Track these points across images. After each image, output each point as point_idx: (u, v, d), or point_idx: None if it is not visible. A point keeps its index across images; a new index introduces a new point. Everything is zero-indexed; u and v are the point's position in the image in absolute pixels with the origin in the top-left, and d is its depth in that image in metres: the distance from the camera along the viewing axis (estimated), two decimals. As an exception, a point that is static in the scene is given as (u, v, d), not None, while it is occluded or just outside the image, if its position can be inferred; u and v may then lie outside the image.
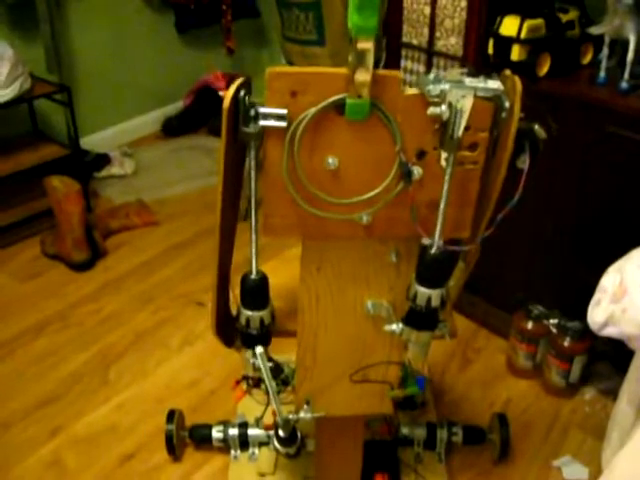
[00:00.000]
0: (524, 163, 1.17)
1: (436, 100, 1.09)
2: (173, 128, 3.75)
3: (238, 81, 1.12)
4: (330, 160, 1.16)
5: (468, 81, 1.09)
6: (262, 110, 1.11)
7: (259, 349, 1.31)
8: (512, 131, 1.13)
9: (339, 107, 1.11)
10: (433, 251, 1.19)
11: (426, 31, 2.24)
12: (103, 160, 3.35)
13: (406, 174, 1.16)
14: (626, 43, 1.85)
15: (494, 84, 1.10)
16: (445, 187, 1.15)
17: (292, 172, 1.16)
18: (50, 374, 2.20)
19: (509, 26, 1.92)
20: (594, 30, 1.91)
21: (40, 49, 3.04)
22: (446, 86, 1.08)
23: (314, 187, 1.18)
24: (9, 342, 2.33)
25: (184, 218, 3.02)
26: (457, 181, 1.18)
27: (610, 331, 1.07)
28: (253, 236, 1.26)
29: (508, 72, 1.15)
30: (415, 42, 2.28)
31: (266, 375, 1.32)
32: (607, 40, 1.90)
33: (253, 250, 1.27)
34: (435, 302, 1.22)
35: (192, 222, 2.97)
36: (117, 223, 2.92)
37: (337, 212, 1.21)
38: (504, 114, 1.13)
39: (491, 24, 1.98)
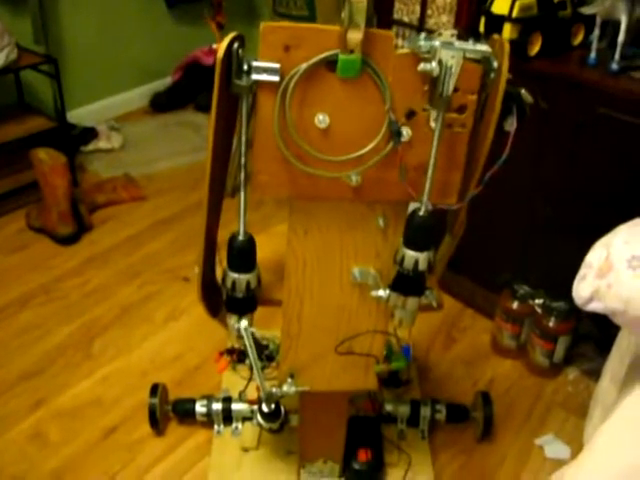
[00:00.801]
0: (511, 125, 1.19)
1: (427, 56, 1.11)
2: (161, 103, 3.72)
3: (232, 34, 1.13)
4: (321, 117, 1.17)
5: (457, 43, 1.10)
6: (255, 64, 1.13)
7: (243, 322, 1.31)
8: (500, 92, 1.15)
9: (331, 64, 1.13)
10: (421, 213, 1.21)
11: (417, 8, 2.23)
12: (90, 134, 3.31)
13: (395, 133, 1.18)
14: (617, 24, 1.85)
15: (483, 46, 1.12)
16: (434, 147, 1.17)
17: (283, 128, 1.17)
18: (34, 347, 2.19)
19: (501, 5, 1.90)
20: (586, 10, 1.91)
21: (27, 20, 3.00)
22: (436, 42, 1.09)
23: (304, 143, 1.19)
24: (-7, 315, 2.32)
25: (171, 193, 3.00)
26: (445, 144, 1.20)
27: (595, 306, 1.07)
28: (242, 194, 1.25)
29: (496, 36, 1.17)
30: (406, 19, 2.27)
31: (249, 346, 1.32)
32: (598, 21, 1.89)
33: (241, 211, 1.27)
34: (422, 265, 1.24)
35: (179, 198, 2.95)
36: (104, 197, 2.90)
37: (326, 170, 1.22)
38: (492, 75, 1.15)
39: (483, 2, 1.97)
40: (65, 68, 3.07)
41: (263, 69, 1.12)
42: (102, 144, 3.32)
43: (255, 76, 1.13)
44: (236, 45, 1.13)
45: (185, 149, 3.32)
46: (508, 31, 1.90)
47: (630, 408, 1.08)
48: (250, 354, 1.33)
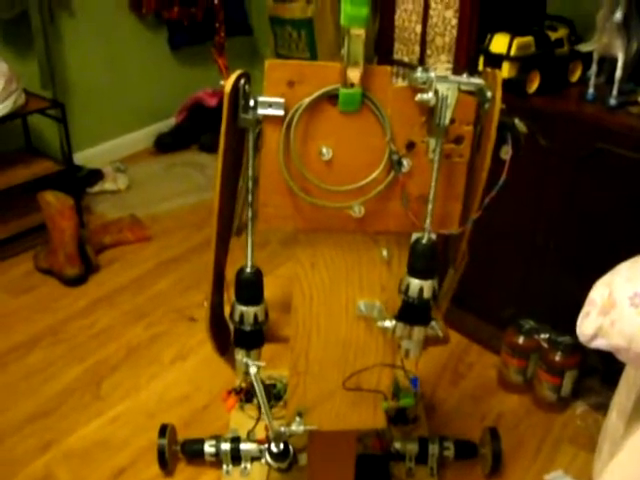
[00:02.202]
0: (507, 154, 1.23)
1: (423, 87, 1.15)
2: (166, 144, 3.77)
3: (238, 71, 1.19)
4: (324, 150, 1.22)
5: (452, 77, 1.14)
6: (261, 99, 1.18)
7: (253, 369, 1.32)
8: (494, 121, 1.20)
9: (333, 98, 1.18)
10: (424, 241, 1.24)
11: (417, 49, 2.27)
12: (96, 176, 3.36)
13: (396, 163, 1.22)
14: (614, 61, 1.88)
15: (476, 80, 1.17)
16: (434, 176, 1.21)
17: (288, 160, 1.22)
18: (42, 389, 2.20)
19: (499, 44, 1.95)
20: (583, 47, 1.95)
21: (34, 65, 3.06)
22: (432, 74, 1.14)
23: (309, 174, 1.23)
24: (1, 356, 2.33)
25: (177, 234, 3.03)
26: (445, 174, 1.25)
27: (599, 343, 1.08)
28: (250, 228, 1.28)
29: (488, 69, 1.20)
30: (406, 59, 2.31)
31: (258, 387, 1.33)
32: (596, 57, 1.93)
33: (249, 244, 1.30)
34: (427, 293, 1.26)
35: (185, 238, 2.98)
36: (110, 238, 2.93)
37: (330, 201, 1.26)
38: (487, 105, 1.20)
39: (481, 42, 2.01)
40: (71, 111, 3.12)
41: (268, 104, 1.18)
42: (108, 185, 3.36)
43: (261, 110, 1.18)
44: (242, 81, 1.18)
45: (190, 189, 3.36)
46: (507, 69, 1.94)
47: (634, 449, 1.08)
48: (258, 394, 1.34)
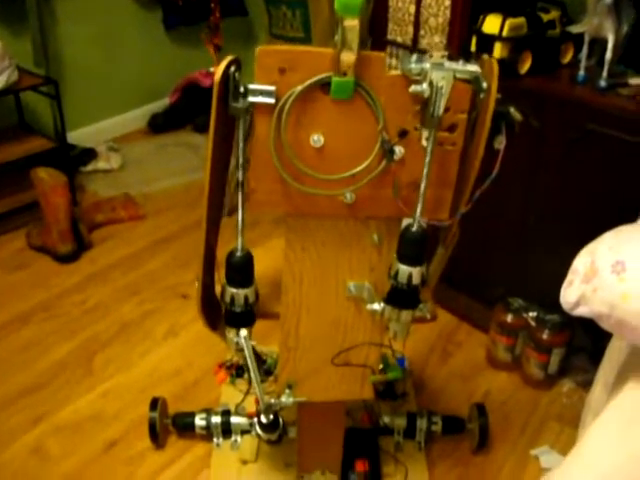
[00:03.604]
0: (501, 144, 1.22)
1: (417, 78, 1.14)
2: (159, 125, 3.77)
3: (229, 57, 1.17)
4: (315, 137, 1.21)
5: (448, 64, 1.14)
6: (251, 86, 1.16)
7: (243, 332, 1.33)
8: (489, 111, 1.19)
9: (325, 86, 1.16)
10: (414, 229, 1.23)
11: (411, 29, 2.28)
12: (89, 154, 3.36)
13: (388, 152, 1.21)
14: (605, 42, 1.90)
15: (472, 67, 1.15)
16: (426, 165, 1.20)
17: (279, 148, 1.21)
18: (35, 363, 2.21)
19: (491, 24, 1.95)
20: (574, 29, 1.96)
21: (28, 42, 3.05)
22: (427, 65, 1.13)
23: (300, 163, 1.22)
24: (-6, 331, 2.35)
25: (170, 212, 3.04)
26: (437, 162, 1.24)
27: (582, 310, 1.10)
28: (240, 212, 1.29)
29: (486, 56, 1.20)
30: (400, 40, 2.32)
31: (249, 355, 1.34)
32: (587, 39, 1.94)
33: (239, 227, 1.30)
34: (416, 280, 1.26)
35: (178, 216, 2.99)
36: (103, 216, 2.94)
37: (321, 188, 1.25)
38: (482, 95, 1.18)
39: (474, 22, 2.02)
40: (65, 90, 3.12)
41: (259, 92, 1.16)
42: (101, 164, 3.36)
43: (251, 98, 1.17)
44: (233, 68, 1.17)
45: (183, 169, 3.37)
46: (499, 50, 1.95)
47: (614, 410, 1.11)
48: (249, 363, 1.36)
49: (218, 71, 1.16)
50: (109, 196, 3.10)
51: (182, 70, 3.78)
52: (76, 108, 3.40)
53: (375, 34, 2.39)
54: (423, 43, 2.25)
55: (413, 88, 1.15)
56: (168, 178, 3.29)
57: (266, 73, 1.15)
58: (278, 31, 2.80)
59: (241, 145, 1.23)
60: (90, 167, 3.35)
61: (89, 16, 3.38)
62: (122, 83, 3.67)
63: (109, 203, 3.01)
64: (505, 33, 1.93)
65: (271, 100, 1.16)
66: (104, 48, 3.52)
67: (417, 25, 2.25)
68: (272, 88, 1.16)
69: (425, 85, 1.14)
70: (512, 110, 1.24)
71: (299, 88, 1.16)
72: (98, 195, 3.15)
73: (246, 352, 1.34)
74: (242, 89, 1.17)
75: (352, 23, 1.07)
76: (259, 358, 1.64)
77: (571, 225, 1.99)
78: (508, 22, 1.92)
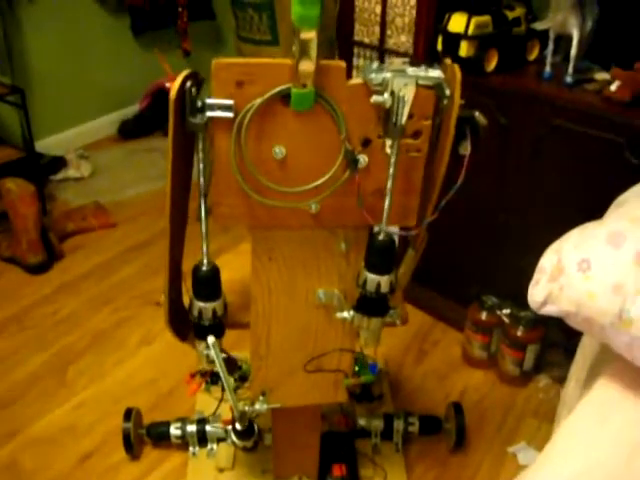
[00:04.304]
0: (466, 149, 1.20)
1: (379, 88, 1.12)
2: (129, 131, 3.74)
3: (184, 72, 1.14)
4: (277, 150, 1.18)
5: (410, 70, 1.12)
6: (209, 101, 1.13)
7: (211, 339, 1.32)
8: (453, 118, 1.17)
9: (285, 98, 1.14)
10: (381, 237, 1.22)
11: (377, 29, 2.27)
12: (59, 163, 3.33)
13: (352, 162, 1.19)
14: (570, 39, 1.90)
15: (435, 72, 1.13)
16: (390, 174, 1.18)
17: (240, 162, 1.18)
18: (7, 376, 2.18)
19: (457, 23, 1.95)
20: (539, 26, 1.96)
21: (-8, 51, 3.02)
22: (388, 74, 1.11)
23: (262, 176, 1.20)
24: (-36, 346, 2.31)
25: (141, 220, 3.01)
26: (402, 169, 1.22)
27: (549, 309, 1.10)
28: (203, 227, 1.27)
29: (448, 61, 1.18)
30: (367, 40, 2.31)
31: (219, 364, 1.33)
32: (552, 36, 1.95)
33: (203, 240, 1.29)
34: (384, 288, 1.25)
35: (149, 224, 2.96)
36: (73, 225, 2.90)
37: (286, 201, 1.23)
38: (445, 101, 1.16)
39: (440, 21, 2.02)
40: (32, 98, 3.07)
41: (217, 106, 1.13)
42: (71, 173, 3.33)
43: (209, 113, 1.14)
44: (189, 84, 1.13)
45: (154, 175, 3.33)
46: (465, 49, 1.95)
47: (585, 409, 1.11)
48: (220, 372, 1.35)
49: (173, 87, 1.12)
50: (80, 204, 3.06)
51: (151, 76, 3.74)
52: (44, 116, 3.36)
53: (342, 35, 2.38)
54: (390, 43, 2.25)
55: (374, 98, 1.13)
56: (139, 185, 3.26)
57: (224, 87, 1.12)
58: (245, 34, 2.78)
59: (201, 160, 1.21)
60: (60, 176, 3.31)
61: (55, 23, 3.34)
62: (91, 90, 3.63)
63: (80, 212, 2.98)
64: (471, 32, 1.93)
65: (230, 114, 1.13)
66: (71, 55, 3.48)
67: (383, 25, 2.25)
68: (230, 102, 1.13)
69: (387, 95, 1.12)
70: (477, 114, 1.22)
71: (258, 101, 1.13)
72: (68, 204, 3.11)
73: (216, 361, 1.33)
74: (199, 104, 1.14)
75: (309, 35, 1.04)
76: (234, 364, 1.62)
77: (540, 221, 1.99)
78: (474, 20, 1.92)
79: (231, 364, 1.53)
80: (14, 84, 2.98)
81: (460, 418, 1.89)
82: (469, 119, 1.20)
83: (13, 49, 3.11)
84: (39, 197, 2.70)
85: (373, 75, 1.12)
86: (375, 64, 1.15)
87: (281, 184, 1.21)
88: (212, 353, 1.38)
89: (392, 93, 1.11)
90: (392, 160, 1.17)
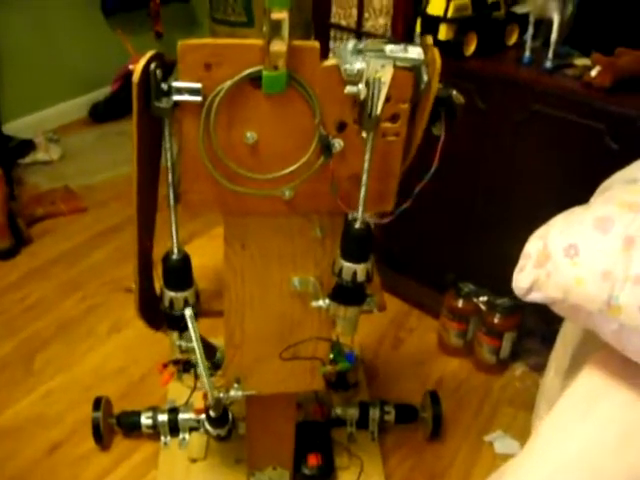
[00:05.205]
0: (440, 130, 1.16)
1: (353, 79, 1.07)
2: (100, 114, 3.66)
3: (148, 54, 1.07)
4: (248, 134, 1.12)
5: (389, 50, 1.07)
6: (175, 84, 1.07)
7: (188, 311, 1.27)
8: (430, 100, 1.13)
9: (256, 80, 1.08)
10: (357, 226, 1.18)
11: (355, 12, 2.24)
12: (27, 146, 3.24)
13: (326, 147, 1.14)
14: (550, 23, 1.88)
15: (414, 52, 1.08)
16: (366, 161, 1.14)
17: (209, 148, 1.12)
18: (-29, 365, 2.12)
19: (436, 6, 1.92)
20: (519, 9, 1.94)
21: (-43, 30, 2.93)
22: (363, 65, 1.06)
23: (232, 163, 1.15)
24: None
25: (112, 204, 2.94)
26: (379, 153, 1.17)
27: (535, 296, 1.07)
28: (172, 214, 1.22)
29: (429, 40, 1.13)
30: (344, 23, 2.27)
31: (196, 340, 1.28)
32: (532, 20, 1.92)
33: (173, 228, 1.24)
34: (361, 277, 1.22)
35: (120, 208, 2.90)
36: (42, 210, 2.84)
37: (258, 188, 1.18)
38: (422, 86, 1.12)
39: (418, 4, 1.98)
40: (0, 79, 3.01)
41: (184, 89, 1.07)
42: (40, 156, 3.25)
43: (176, 97, 1.07)
44: (153, 65, 1.06)
45: (125, 159, 3.23)
46: (444, 32, 1.92)
47: (568, 400, 1.09)
48: (197, 349, 1.30)
49: (137, 70, 1.05)
50: (49, 189, 2.99)
51: (123, 58, 3.65)
52: (12, 98, 3.29)
53: (318, 17, 2.34)
54: (367, 25, 2.21)
55: (348, 89, 1.07)
56: (110, 169, 3.18)
57: (191, 69, 1.06)
58: (219, 15, 2.70)
59: (168, 146, 1.15)
60: (28, 159, 3.23)
61: (25, 2, 3.25)
62: (61, 71, 3.55)
63: (49, 196, 2.91)
64: (450, 14, 1.89)
65: (198, 98, 1.07)
66: (41, 35, 3.39)
67: (361, 7, 2.21)
68: (198, 85, 1.06)
69: (361, 86, 1.07)
70: (454, 94, 1.16)
71: (227, 84, 1.07)
72: (37, 188, 3.04)
73: (192, 335, 1.28)
74: (165, 87, 1.07)
75: (281, 15, 0.98)
76: (211, 349, 1.57)
77: (519, 208, 1.98)
78: (453, 3, 1.89)
79: (209, 349, 1.49)
80: (-20, 64, 2.90)
81: (436, 407, 1.87)
82: (445, 99, 1.16)
83: (-20, 29, 3.03)
84: (6, 181, 2.63)
85: (347, 66, 1.06)
86: (351, 43, 1.09)
87: (253, 170, 1.16)
88: (184, 343, 1.35)
89: (367, 83, 1.06)
90: (368, 147, 1.13)
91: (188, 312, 1.27)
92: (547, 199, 1.90)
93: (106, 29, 3.69)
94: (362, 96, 1.08)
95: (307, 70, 1.08)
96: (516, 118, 1.90)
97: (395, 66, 1.08)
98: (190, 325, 1.28)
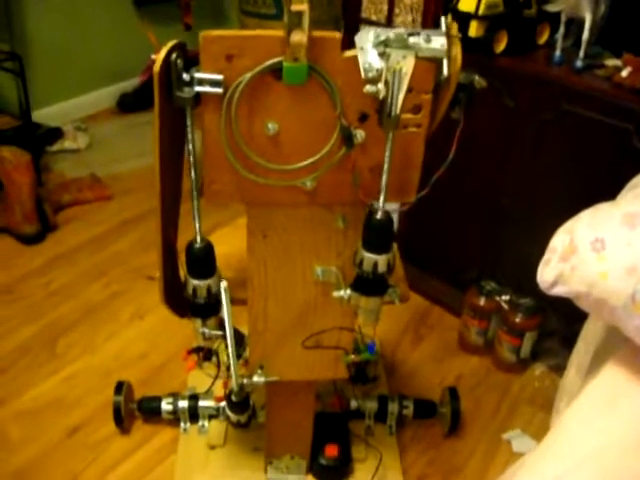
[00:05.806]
0: (458, 115, 1.16)
1: (373, 78, 1.07)
2: (128, 104, 3.68)
3: (169, 44, 1.08)
4: (270, 126, 1.13)
5: (411, 40, 1.06)
6: (197, 75, 1.08)
7: (224, 283, 1.27)
8: (449, 94, 1.12)
9: (277, 72, 1.08)
10: (378, 216, 1.18)
11: (385, 7, 2.24)
12: (56, 134, 3.27)
13: (347, 138, 1.14)
14: (582, 22, 1.87)
15: (437, 42, 1.07)
16: (387, 157, 1.13)
17: (230, 138, 1.13)
18: (-4, 346, 2.15)
19: (467, 2, 1.91)
20: (551, 7, 1.93)
21: (-9, 17, 2.96)
22: (382, 64, 1.05)
23: (254, 154, 1.15)
24: (-46, 314, 2.27)
25: (137, 193, 2.96)
26: (400, 144, 1.16)
27: (559, 290, 1.07)
28: (195, 203, 1.23)
29: (454, 31, 1.09)
30: (374, 18, 2.28)
31: (227, 315, 1.28)
32: (563, 19, 1.91)
33: (196, 217, 1.25)
34: (382, 268, 1.21)
35: (145, 197, 2.90)
36: (69, 197, 2.86)
37: (279, 178, 1.19)
38: (442, 79, 1.11)
39: (449, 0, 1.98)
40: (30, 66, 3.03)
41: (206, 81, 1.08)
42: (68, 144, 3.28)
43: (198, 88, 1.08)
44: (174, 56, 1.07)
45: (151, 149, 3.28)
46: (475, 29, 1.91)
47: (590, 395, 1.08)
48: (227, 326, 1.30)
49: (158, 59, 1.06)
50: (75, 176, 3.02)
51: (153, 49, 3.68)
52: (42, 86, 3.31)
53: (349, 12, 2.35)
54: (397, 21, 2.21)
55: (367, 88, 1.07)
56: (136, 158, 3.20)
57: (212, 61, 1.06)
58: (249, 8, 2.72)
59: (191, 137, 1.16)
60: (56, 147, 3.25)
61: (56, -9, 3.29)
62: (90, 61, 3.57)
63: (75, 183, 2.94)
64: (481, 11, 1.89)
65: (219, 90, 1.08)
66: (72, 25, 3.42)
67: (392, 3, 2.21)
68: (220, 77, 1.07)
69: (380, 85, 1.06)
70: (477, 78, 1.14)
71: (248, 75, 1.07)
72: (64, 175, 3.06)
73: (225, 311, 1.28)
74: (187, 77, 1.08)
75: (301, 7, 0.98)
76: (241, 337, 1.58)
77: (544, 207, 1.97)
78: (484, 0, 1.88)
79: (238, 336, 1.49)
80: (12, 50, 2.92)
81: (455, 403, 1.87)
82: (467, 86, 1.14)
83: (13, 17, 3.05)
84: (34, 167, 2.65)
85: (367, 66, 1.06)
86: (372, 33, 1.07)
87: (274, 161, 1.17)
88: (207, 330, 1.36)
89: (386, 83, 1.05)
90: (387, 149, 1.12)
91: (224, 284, 1.27)
92: (572, 198, 1.89)
93: (137, 20, 3.72)
94: (381, 95, 1.07)
95: (328, 61, 1.08)
96: (544, 117, 1.89)
97: (417, 57, 1.07)
98: (224, 298, 1.28)
